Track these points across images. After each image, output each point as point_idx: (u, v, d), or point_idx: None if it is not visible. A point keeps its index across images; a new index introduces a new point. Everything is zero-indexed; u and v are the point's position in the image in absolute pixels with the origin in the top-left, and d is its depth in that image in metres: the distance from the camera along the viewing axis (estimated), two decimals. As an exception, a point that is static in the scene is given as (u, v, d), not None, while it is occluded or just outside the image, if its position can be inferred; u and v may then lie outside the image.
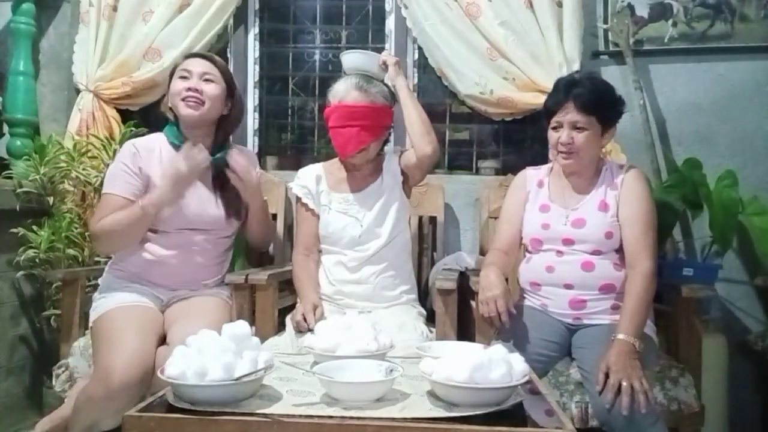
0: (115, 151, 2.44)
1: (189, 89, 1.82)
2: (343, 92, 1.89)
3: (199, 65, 1.86)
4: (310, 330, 1.60)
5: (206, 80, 1.85)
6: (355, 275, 1.88)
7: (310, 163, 2.11)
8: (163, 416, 1.08)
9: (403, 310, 1.87)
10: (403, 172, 1.97)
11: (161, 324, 1.75)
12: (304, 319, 1.71)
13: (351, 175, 1.97)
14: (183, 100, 1.82)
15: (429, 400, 1.14)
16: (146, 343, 1.62)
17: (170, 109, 1.90)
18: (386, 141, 2.01)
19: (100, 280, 1.90)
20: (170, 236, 1.83)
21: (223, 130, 1.92)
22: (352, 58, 1.98)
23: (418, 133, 1.88)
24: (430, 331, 1.83)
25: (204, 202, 1.85)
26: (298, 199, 1.98)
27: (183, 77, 1.85)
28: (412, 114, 1.90)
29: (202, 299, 1.82)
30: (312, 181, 1.97)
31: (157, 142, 1.89)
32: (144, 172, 1.82)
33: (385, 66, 1.96)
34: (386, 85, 1.96)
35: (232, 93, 1.93)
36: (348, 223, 1.90)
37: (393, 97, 1.96)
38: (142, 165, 1.82)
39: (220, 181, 1.90)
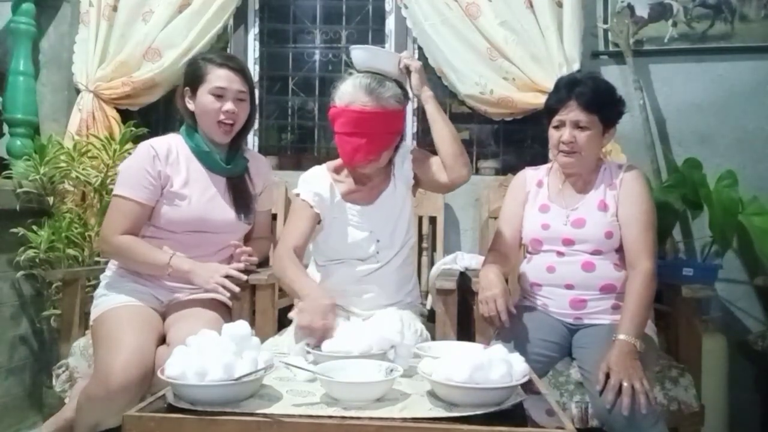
0: (115, 151, 2.44)
1: (226, 113, 1.77)
2: (351, 95, 1.67)
3: (235, 83, 1.79)
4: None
5: (239, 100, 1.80)
6: (362, 286, 1.78)
7: (310, 163, 2.01)
8: (163, 416, 1.08)
9: (399, 310, 1.83)
10: (414, 176, 1.82)
11: (160, 324, 1.74)
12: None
13: (362, 183, 1.80)
14: (218, 122, 1.78)
15: (429, 400, 1.14)
16: (146, 342, 1.61)
17: (188, 110, 1.83)
18: (398, 146, 1.80)
19: (102, 276, 1.89)
20: (180, 237, 1.81)
21: (241, 135, 1.90)
22: (365, 56, 1.72)
23: (451, 154, 1.70)
24: (428, 331, 1.80)
25: (215, 205, 1.83)
26: (304, 201, 1.76)
27: (218, 96, 1.77)
28: (443, 132, 1.71)
29: (201, 300, 1.80)
30: (326, 189, 1.77)
31: (173, 144, 1.84)
32: (163, 175, 1.78)
33: (406, 70, 1.73)
34: (398, 82, 1.74)
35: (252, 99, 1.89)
36: (363, 238, 1.76)
37: (406, 95, 1.75)
38: (161, 168, 1.77)
39: (234, 183, 1.87)
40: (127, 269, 1.83)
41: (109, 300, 1.75)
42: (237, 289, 1.74)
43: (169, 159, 1.80)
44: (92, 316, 1.77)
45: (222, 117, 1.78)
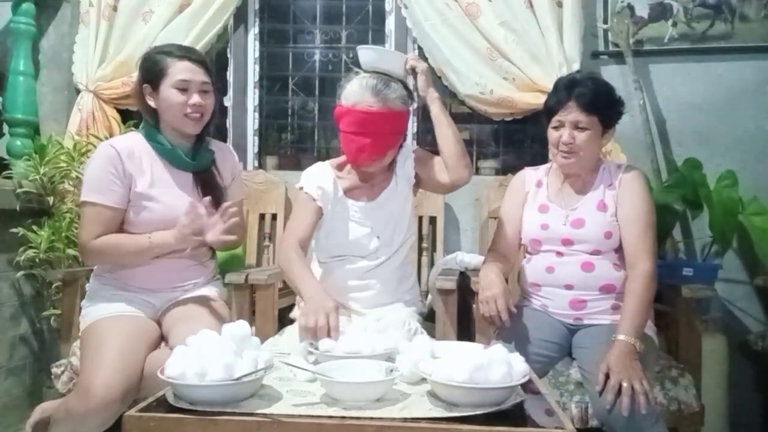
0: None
1: (193, 105, 1.72)
2: (357, 95, 1.69)
3: (198, 74, 1.74)
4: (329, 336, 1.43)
5: (204, 92, 1.75)
6: (364, 282, 1.79)
7: (310, 162, 1.98)
8: (163, 416, 1.08)
9: (397, 308, 1.82)
10: (416, 175, 1.83)
11: (153, 333, 1.71)
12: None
13: (364, 181, 1.82)
14: (186, 116, 1.73)
15: (429, 400, 1.14)
16: (131, 358, 1.57)
17: (148, 108, 1.77)
18: (401, 146, 1.82)
19: (87, 287, 1.84)
20: None
21: (204, 128, 1.83)
22: (371, 56, 1.72)
23: (454, 156, 1.73)
24: (428, 331, 1.79)
25: (185, 203, 1.73)
26: (308, 194, 1.78)
27: (182, 89, 1.72)
28: (447, 134, 1.73)
29: (200, 300, 1.79)
30: (329, 183, 1.79)
31: (134, 143, 1.77)
32: (128, 174, 1.71)
33: (412, 71, 1.75)
34: (404, 83, 1.77)
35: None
36: (364, 234, 1.78)
37: (411, 96, 1.78)
38: (124, 167, 1.71)
39: (202, 178, 1.82)
40: (112, 277, 1.78)
41: (97, 311, 1.71)
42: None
43: (132, 158, 1.73)
44: (81, 327, 1.74)
45: (189, 110, 1.73)
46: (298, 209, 1.82)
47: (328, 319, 1.43)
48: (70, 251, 2.42)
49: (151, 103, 1.77)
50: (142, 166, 1.75)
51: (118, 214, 1.71)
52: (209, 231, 1.65)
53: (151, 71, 1.75)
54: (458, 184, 1.78)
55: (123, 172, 1.71)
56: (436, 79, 2.62)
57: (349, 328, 1.50)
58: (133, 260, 1.74)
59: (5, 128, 2.66)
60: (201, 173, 1.82)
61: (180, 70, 1.73)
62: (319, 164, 1.86)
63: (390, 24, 2.79)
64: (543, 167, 1.89)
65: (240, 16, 2.83)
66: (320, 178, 1.80)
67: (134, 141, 1.78)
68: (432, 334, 1.85)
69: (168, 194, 1.76)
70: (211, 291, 1.85)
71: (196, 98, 1.73)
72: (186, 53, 1.77)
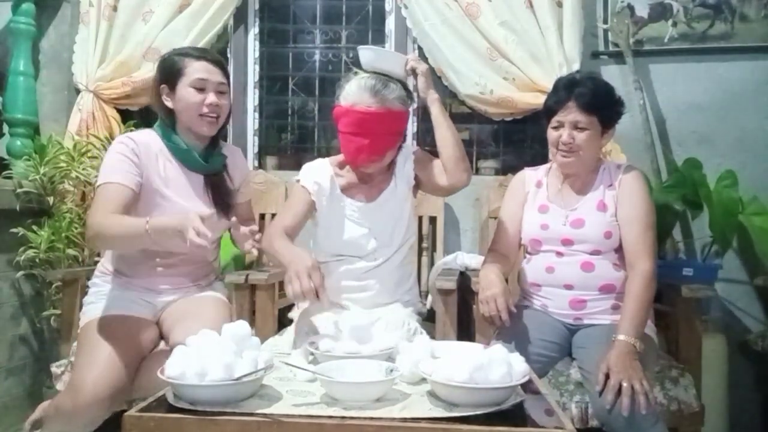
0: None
1: (209, 105, 1.73)
2: (355, 95, 1.69)
3: (215, 74, 1.75)
4: (317, 297, 1.45)
5: (220, 92, 1.76)
6: (362, 283, 1.79)
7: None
8: (163, 416, 1.08)
9: (396, 308, 1.81)
10: (415, 177, 1.84)
11: (151, 334, 1.71)
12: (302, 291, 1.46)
13: (363, 181, 1.82)
14: (201, 116, 1.73)
15: (429, 400, 1.14)
16: (123, 358, 1.57)
17: (165, 108, 1.77)
18: (400, 146, 1.82)
19: (89, 283, 1.85)
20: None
21: (219, 131, 1.84)
22: (372, 56, 1.72)
23: (453, 158, 1.71)
24: (422, 331, 1.76)
25: (195, 204, 1.76)
26: (303, 187, 1.80)
27: (199, 88, 1.73)
28: (446, 136, 1.72)
29: (200, 300, 1.80)
30: (327, 180, 1.79)
31: (150, 140, 1.78)
32: (143, 164, 1.71)
33: (412, 72, 1.75)
34: (402, 83, 1.76)
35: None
36: (362, 235, 1.77)
37: (410, 96, 1.78)
38: (142, 158, 1.71)
39: (213, 181, 1.82)
40: (115, 274, 1.78)
41: (95, 309, 1.71)
42: (209, 233, 1.44)
43: (148, 152, 1.74)
44: (81, 322, 1.74)
45: (205, 110, 1.73)
46: (290, 199, 1.85)
47: (311, 280, 1.45)
48: (70, 251, 2.42)
49: (168, 103, 1.77)
50: (156, 163, 1.76)
51: (131, 195, 1.66)
52: (240, 243, 1.69)
53: (169, 71, 1.76)
54: (457, 188, 1.77)
55: (139, 160, 1.71)
56: (436, 79, 2.61)
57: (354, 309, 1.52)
58: (130, 243, 1.63)
59: (5, 128, 2.66)
60: (212, 176, 1.83)
61: (197, 69, 1.74)
62: (319, 161, 1.87)
63: (390, 24, 2.79)
64: (543, 167, 1.89)
65: (240, 16, 2.84)
66: (318, 174, 1.81)
67: (150, 137, 1.79)
68: (432, 334, 1.85)
69: (180, 194, 1.76)
70: (213, 292, 1.86)
71: (212, 98, 1.74)
72: (203, 54, 1.80)
